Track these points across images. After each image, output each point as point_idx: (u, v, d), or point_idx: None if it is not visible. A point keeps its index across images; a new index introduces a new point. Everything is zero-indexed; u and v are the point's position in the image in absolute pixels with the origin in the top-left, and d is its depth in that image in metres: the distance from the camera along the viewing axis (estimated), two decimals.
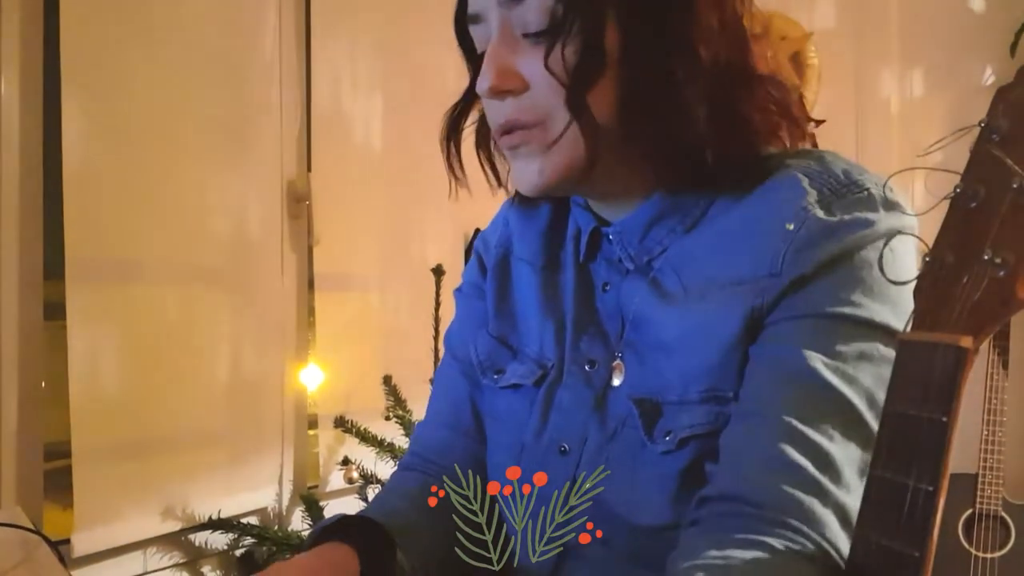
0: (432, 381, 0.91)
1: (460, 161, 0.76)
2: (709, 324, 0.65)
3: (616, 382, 0.71)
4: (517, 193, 0.81)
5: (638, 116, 0.65)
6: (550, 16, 0.63)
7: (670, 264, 0.69)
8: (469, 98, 0.75)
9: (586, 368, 0.73)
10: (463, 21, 0.71)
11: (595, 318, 0.74)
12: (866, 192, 0.63)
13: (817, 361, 0.60)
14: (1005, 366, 1.92)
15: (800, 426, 0.59)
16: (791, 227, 0.63)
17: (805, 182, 0.64)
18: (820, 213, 0.62)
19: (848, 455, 0.59)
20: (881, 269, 0.60)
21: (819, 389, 0.60)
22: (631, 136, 0.66)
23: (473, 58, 0.73)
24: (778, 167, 0.67)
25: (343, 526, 0.70)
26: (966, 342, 0.42)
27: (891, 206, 0.63)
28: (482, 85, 0.67)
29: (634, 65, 0.64)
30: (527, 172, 0.68)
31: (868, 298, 0.61)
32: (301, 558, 0.67)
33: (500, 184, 0.78)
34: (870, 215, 0.62)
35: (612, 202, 0.73)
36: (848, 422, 0.60)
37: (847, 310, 0.61)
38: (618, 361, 0.71)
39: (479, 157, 0.78)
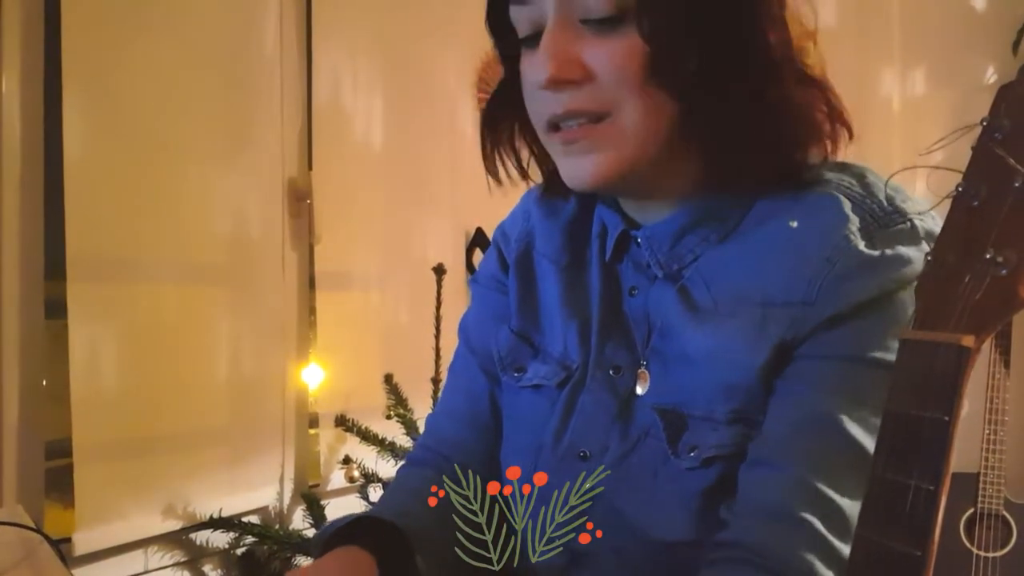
0: (434, 380, 0.90)
1: (503, 158, 0.73)
2: (735, 347, 0.63)
3: (640, 391, 0.69)
4: (543, 186, 0.78)
5: (703, 109, 0.62)
6: (615, 3, 0.60)
7: (701, 275, 0.67)
8: (507, 89, 0.71)
9: (610, 373, 0.71)
10: (499, 2, 0.66)
11: (621, 322, 0.72)
12: (909, 223, 0.61)
13: (842, 411, 0.59)
14: (1007, 365, 1.91)
15: (814, 481, 0.59)
16: (829, 256, 0.61)
17: (847, 206, 0.62)
18: (861, 245, 0.60)
19: None
20: None
21: (840, 441, 0.59)
22: (691, 131, 0.63)
23: (507, 44, 0.68)
24: (816, 180, 0.65)
25: (356, 528, 0.68)
26: (968, 341, 0.42)
27: (933, 238, 0.60)
28: (538, 75, 0.62)
29: (704, 53, 0.60)
30: (584, 166, 0.64)
31: None
32: (316, 563, 0.66)
33: (525, 177, 0.74)
34: (911, 251, 0.60)
35: (646, 204, 0.71)
36: (866, 477, 0.59)
37: (879, 355, 0.60)
38: (643, 369, 0.69)
39: (494, 149, 0.74)
